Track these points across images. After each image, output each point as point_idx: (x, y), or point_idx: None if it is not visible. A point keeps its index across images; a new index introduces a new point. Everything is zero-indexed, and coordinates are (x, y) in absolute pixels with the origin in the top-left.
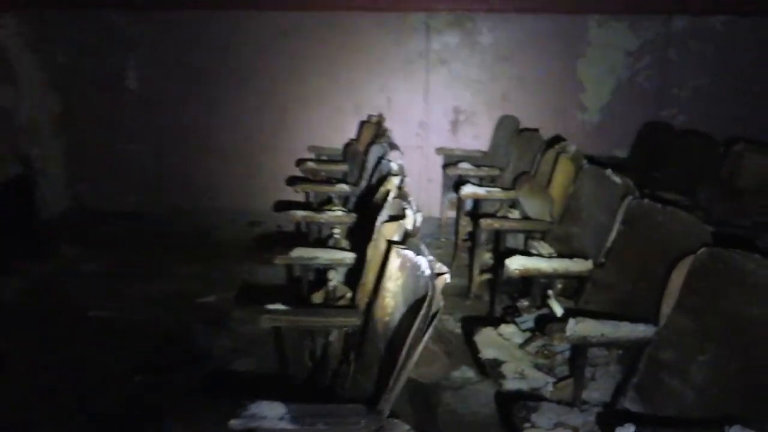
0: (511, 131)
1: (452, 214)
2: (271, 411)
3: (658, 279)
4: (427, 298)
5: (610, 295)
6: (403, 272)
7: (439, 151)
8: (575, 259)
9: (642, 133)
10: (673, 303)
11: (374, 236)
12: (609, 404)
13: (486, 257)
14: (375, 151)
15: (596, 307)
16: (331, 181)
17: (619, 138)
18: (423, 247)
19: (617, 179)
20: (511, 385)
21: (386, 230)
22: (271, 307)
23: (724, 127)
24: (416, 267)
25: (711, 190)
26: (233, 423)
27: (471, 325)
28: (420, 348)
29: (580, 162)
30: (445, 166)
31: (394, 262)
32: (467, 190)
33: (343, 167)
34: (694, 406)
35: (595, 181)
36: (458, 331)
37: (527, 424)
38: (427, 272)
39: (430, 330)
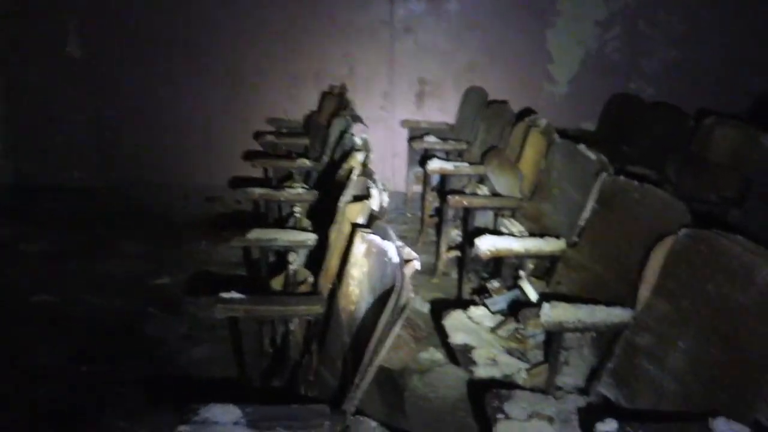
0: (478, 103)
1: (418, 188)
2: (224, 415)
3: (635, 260)
4: (396, 289)
5: (584, 276)
6: (368, 258)
7: (404, 123)
8: (547, 239)
9: (610, 105)
10: (651, 286)
11: (337, 218)
12: (584, 390)
13: (454, 234)
14: (338, 125)
15: (569, 289)
16: (291, 155)
17: (587, 110)
18: (390, 231)
19: (591, 155)
20: (482, 371)
21: (350, 212)
22: (225, 295)
23: (692, 99)
24: (383, 253)
25: (680, 164)
26: (182, 429)
27: (439, 307)
28: (389, 343)
29: (551, 136)
30: (411, 139)
31: (359, 248)
32: (434, 165)
33: (304, 141)
34: (673, 394)
35: (567, 156)
36: (425, 311)
37: (501, 415)
38: (395, 260)
39: (399, 322)
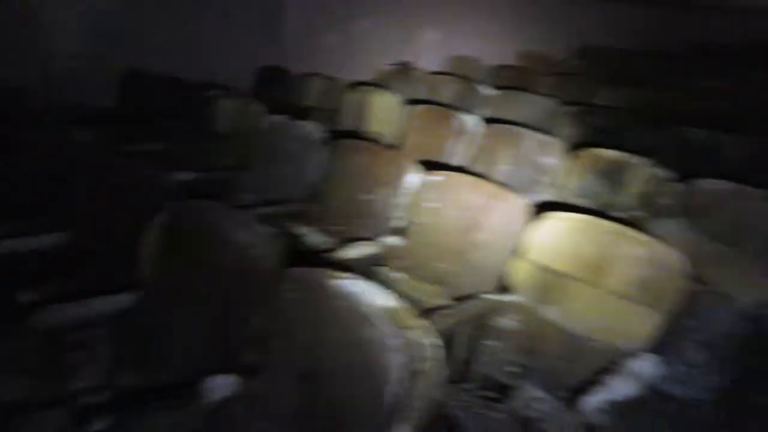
0: None
1: None
2: None
3: (135, 240)
4: None
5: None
6: None
7: None
8: None
9: (126, 81)
10: (151, 263)
11: None
12: (101, 389)
13: None
14: None
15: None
16: None
17: (98, 88)
18: None
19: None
20: None
21: None
22: None
23: (202, 73)
24: None
25: (189, 137)
26: None
27: None
28: None
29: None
30: None
31: None
32: None
33: None
34: (183, 365)
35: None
36: None
37: None
38: None
39: None
